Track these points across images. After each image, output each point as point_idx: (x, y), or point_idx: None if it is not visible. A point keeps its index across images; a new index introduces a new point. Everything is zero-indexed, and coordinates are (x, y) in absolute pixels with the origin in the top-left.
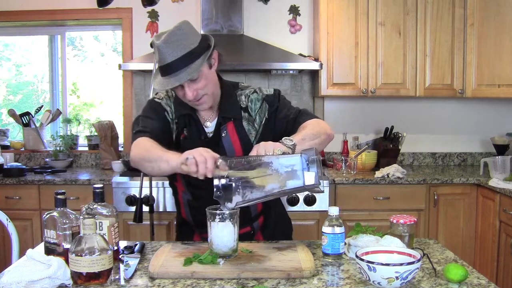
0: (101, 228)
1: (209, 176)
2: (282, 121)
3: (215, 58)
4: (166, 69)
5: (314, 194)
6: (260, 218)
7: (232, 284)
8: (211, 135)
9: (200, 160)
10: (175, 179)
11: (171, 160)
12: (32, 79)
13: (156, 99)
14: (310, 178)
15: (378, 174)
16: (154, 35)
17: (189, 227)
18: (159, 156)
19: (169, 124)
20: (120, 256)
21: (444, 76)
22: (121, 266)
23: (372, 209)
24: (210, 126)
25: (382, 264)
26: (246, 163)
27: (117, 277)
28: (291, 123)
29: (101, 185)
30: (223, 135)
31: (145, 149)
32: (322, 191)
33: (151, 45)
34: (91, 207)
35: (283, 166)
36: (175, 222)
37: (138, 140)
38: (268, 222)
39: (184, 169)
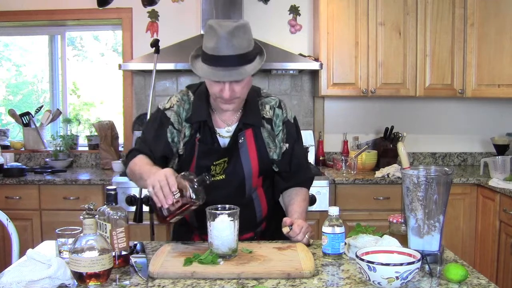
0: (105, 231)
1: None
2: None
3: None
4: (216, 60)
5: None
6: (263, 223)
7: (232, 284)
8: (227, 140)
9: (158, 194)
10: None
11: (146, 180)
12: (32, 79)
13: (165, 110)
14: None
15: (378, 174)
16: (210, 20)
17: (189, 227)
18: (140, 175)
19: (170, 139)
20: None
21: (444, 76)
22: (135, 268)
23: (372, 209)
24: (229, 130)
25: (382, 264)
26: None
27: (137, 280)
28: (288, 164)
29: (114, 187)
30: (240, 141)
31: (134, 169)
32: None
33: (152, 45)
34: (101, 209)
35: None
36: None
37: (132, 160)
38: (270, 227)
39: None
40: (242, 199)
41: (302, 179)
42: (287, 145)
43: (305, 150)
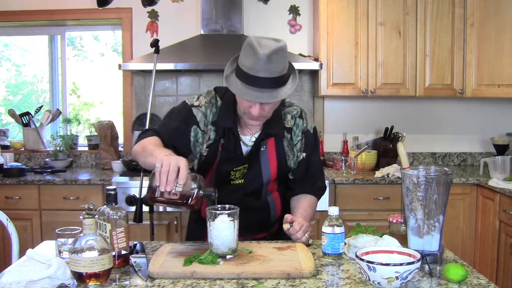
0: (105, 231)
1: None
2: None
3: None
4: (252, 80)
5: None
6: (276, 224)
7: (232, 284)
8: (249, 148)
9: (164, 170)
10: (204, 177)
11: (157, 156)
12: (32, 79)
13: (193, 106)
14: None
15: (378, 174)
16: (251, 36)
17: (204, 224)
18: (151, 151)
19: (192, 138)
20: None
21: (444, 76)
22: (135, 268)
23: (372, 209)
24: (251, 139)
25: (382, 264)
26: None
27: (138, 281)
28: (304, 172)
29: (114, 187)
30: (262, 149)
31: (146, 145)
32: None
33: (152, 45)
34: (101, 209)
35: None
36: (175, 222)
37: (149, 137)
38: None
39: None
40: (257, 202)
41: (313, 188)
42: (304, 154)
43: (321, 160)
